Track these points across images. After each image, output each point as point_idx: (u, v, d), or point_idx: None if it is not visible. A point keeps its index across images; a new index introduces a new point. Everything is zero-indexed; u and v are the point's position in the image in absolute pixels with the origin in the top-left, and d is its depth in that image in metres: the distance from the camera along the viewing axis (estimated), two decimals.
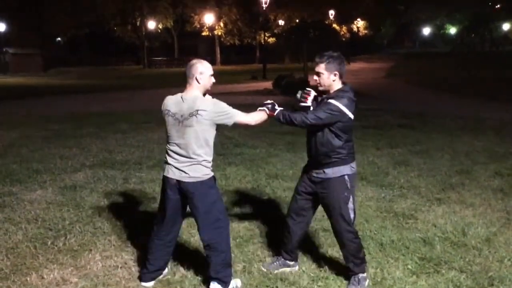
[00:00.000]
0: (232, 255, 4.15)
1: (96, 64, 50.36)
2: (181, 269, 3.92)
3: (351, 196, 3.60)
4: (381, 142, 9.14)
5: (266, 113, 3.63)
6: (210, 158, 3.50)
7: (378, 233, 4.66)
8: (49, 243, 4.46)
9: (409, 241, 4.47)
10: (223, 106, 3.43)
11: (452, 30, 64.13)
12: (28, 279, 3.79)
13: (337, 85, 3.56)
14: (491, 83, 23.56)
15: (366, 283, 3.66)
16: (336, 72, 3.51)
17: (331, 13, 50.69)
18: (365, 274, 3.68)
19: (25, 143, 9.24)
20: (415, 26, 66.54)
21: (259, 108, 3.66)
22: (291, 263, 3.96)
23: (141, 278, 3.75)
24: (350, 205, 3.60)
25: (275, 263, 3.97)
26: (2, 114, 13.55)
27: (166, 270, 3.84)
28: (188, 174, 3.43)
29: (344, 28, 59.48)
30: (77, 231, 4.75)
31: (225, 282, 3.55)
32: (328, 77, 3.51)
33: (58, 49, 54.09)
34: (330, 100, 3.46)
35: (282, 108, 3.60)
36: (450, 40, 65.64)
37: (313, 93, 3.65)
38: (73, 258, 4.16)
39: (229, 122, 3.47)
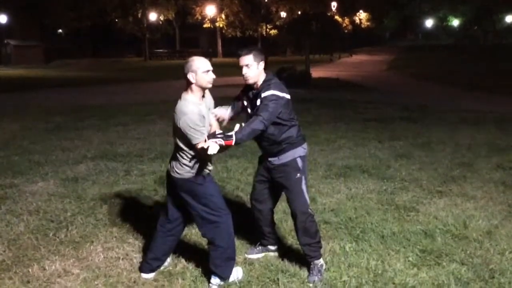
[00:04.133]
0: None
1: (98, 56, 50.25)
2: (183, 260, 3.94)
3: (303, 177, 3.66)
4: (383, 135, 9.12)
5: (222, 145, 3.24)
6: (190, 159, 3.37)
7: (379, 225, 4.67)
8: (50, 234, 4.48)
9: (410, 233, 4.48)
10: (190, 122, 3.20)
11: (455, 23, 63.75)
12: (30, 270, 3.81)
13: (262, 75, 3.58)
14: (493, 76, 23.47)
15: (323, 269, 3.72)
16: (262, 62, 3.55)
17: (334, 5, 50.51)
18: (321, 260, 3.74)
19: (26, 135, 9.26)
20: (418, 18, 66.16)
21: (211, 140, 3.23)
22: (272, 247, 4.06)
23: (141, 269, 3.77)
24: (303, 186, 3.65)
25: (256, 249, 4.08)
26: (3, 106, 13.56)
27: (167, 262, 3.85)
28: (174, 169, 3.45)
29: (347, 20, 59.29)
30: (78, 222, 4.77)
31: (224, 277, 3.55)
32: (257, 67, 3.53)
33: (60, 41, 53.95)
34: (263, 94, 3.47)
35: (235, 131, 3.38)
36: (453, 33, 65.30)
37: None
38: (75, 250, 4.18)
39: (190, 139, 3.26)
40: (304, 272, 3.76)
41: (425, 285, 3.60)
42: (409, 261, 3.96)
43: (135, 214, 4.99)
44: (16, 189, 5.85)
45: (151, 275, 3.72)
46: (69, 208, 5.18)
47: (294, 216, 3.70)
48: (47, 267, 3.86)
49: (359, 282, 3.63)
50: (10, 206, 5.25)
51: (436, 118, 11.22)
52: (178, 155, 3.42)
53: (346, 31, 58.60)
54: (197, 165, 3.42)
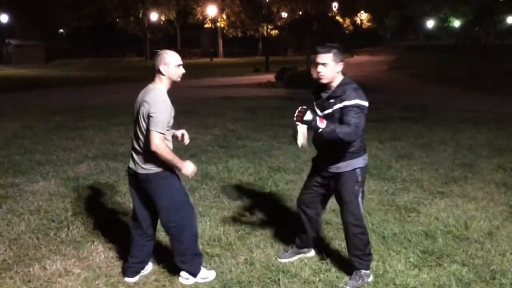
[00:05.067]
0: (234, 247, 4.18)
1: (99, 56, 50.30)
2: None
3: (361, 190, 3.54)
4: (384, 135, 9.12)
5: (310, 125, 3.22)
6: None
7: (380, 226, 4.66)
8: (51, 234, 4.48)
9: (411, 234, 4.47)
10: (160, 109, 3.24)
11: (456, 23, 63.74)
12: (31, 270, 3.81)
13: (339, 77, 3.44)
14: (494, 76, 23.45)
15: (369, 279, 3.63)
16: (341, 62, 3.41)
17: (335, 5, 50.49)
18: (368, 271, 3.64)
19: (27, 134, 9.26)
20: (419, 19, 66.16)
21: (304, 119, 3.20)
22: (305, 249, 3.98)
23: (125, 273, 3.70)
24: (360, 199, 3.54)
25: (288, 252, 3.99)
26: (5, 106, 13.57)
27: (150, 265, 3.79)
28: (140, 165, 3.40)
29: (348, 21, 59.25)
30: (79, 222, 4.77)
31: (192, 273, 3.56)
32: (334, 67, 3.39)
33: (61, 41, 54.05)
34: (348, 102, 3.31)
35: (323, 125, 3.24)
36: (454, 33, 65.30)
37: (309, 113, 3.23)
38: (76, 249, 4.18)
39: (149, 123, 3.22)
40: (304, 272, 3.76)
41: (426, 286, 3.59)
42: (410, 262, 3.95)
43: None
44: (17, 188, 5.85)
45: (136, 278, 3.67)
46: (70, 207, 5.19)
47: (345, 226, 3.61)
48: (48, 267, 3.86)
49: None
50: (11, 205, 5.25)
51: (437, 119, 11.21)
52: (143, 149, 3.36)
53: (347, 31, 58.57)
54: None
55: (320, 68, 3.41)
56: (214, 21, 50.45)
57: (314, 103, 3.58)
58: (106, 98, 15.67)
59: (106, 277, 3.72)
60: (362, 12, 63.19)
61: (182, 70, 3.41)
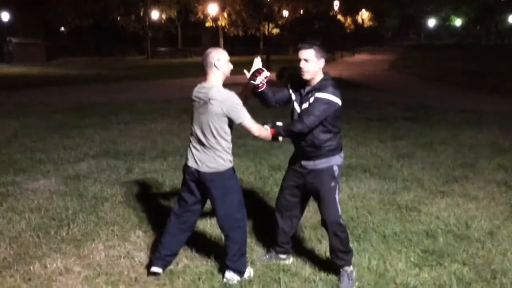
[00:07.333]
0: None
1: (100, 54, 50.30)
2: (184, 259, 3.94)
3: (337, 186, 3.58)
4: (385, 135, 9.11)
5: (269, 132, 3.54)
6: (224, 150, 3.47)
7: (381, 225, 4.66)
8: (52, 232, 4.49)
9: (412, 233, 4.47)
10: (235, 100, 3.39)
11: (458, 22, 63.72)
12: (31, 268, 3.81)
13: (320, 74, 3.51)
14: (496, 76, 23.41)
15: (354, 275, 3.62)
16: (322, 59, 3.47)
17: (336, 4, 50.41)
18: (351, 267, 3.64)
19: (28, 133, 9.27)
20: (420, 18, 66.19)
21: (264, 126, 3.55)
22: (284, 256, 3.94)
23: (153, 263, 3.70)
24: (336, 196, 3.57)
25: (267, 256, 3.98)
26: (5, 104, 13.57)
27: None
28: (205, 163, 3.45)
29: (349, 20, 59.17)
30: (80, 220, 4.77)
31: (240, 271, 3.61)
32: (317, 63, 3.45)
33: (62, 39, 53.99)
34: (319, 95, 3.40)
35: (281, 124, 3.52)
36: (456, 32, 65.31)
37: (264, 73, 3.63)
38: (76, 248, 4.18)
39: (236, 118, 3.38)
40: (305, 271, 3.76)
41: (427, 285, 3.59)
42: (410, 261, 3.95)
43: (137, 212, 4.99)
44: (18, 186, 5.85)
45: (160, 270, 3.69)
46: (71, 206, 5.19)
47: (324, 225, 3.62)
48: (48, 265, 3.86)
49: (360, 282, 3.62)
50: (12, 203, 5.26)
51: (438, 118, 11.19)
52: (211, 148, 3.42)
53: (348, 30, 58.54)
54: (230, 156, 3.50)
55: (302, 64, 3.48)
56: (215, 19, 50.38)
57: (293, 96, 3.63)
58: (107, 97, 15.67)
59: (106, 276, 3.72)
60: (363, 11, 63.10)
61: (231, 66, 3.52)
